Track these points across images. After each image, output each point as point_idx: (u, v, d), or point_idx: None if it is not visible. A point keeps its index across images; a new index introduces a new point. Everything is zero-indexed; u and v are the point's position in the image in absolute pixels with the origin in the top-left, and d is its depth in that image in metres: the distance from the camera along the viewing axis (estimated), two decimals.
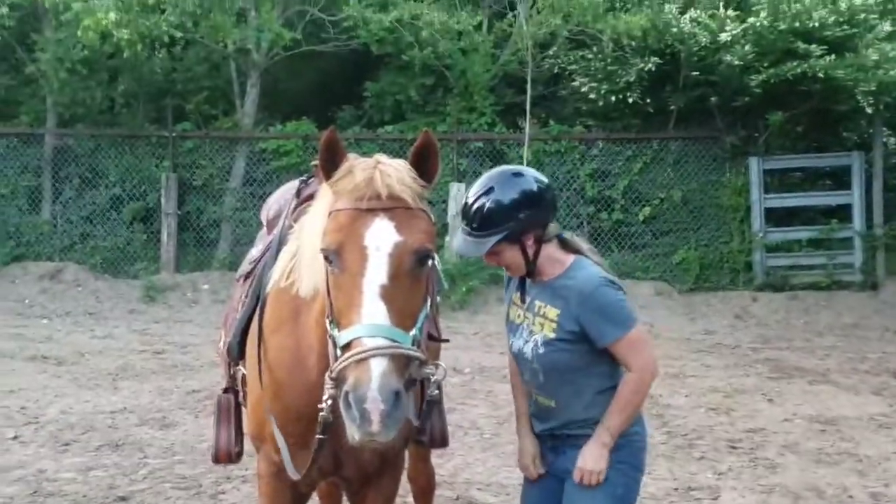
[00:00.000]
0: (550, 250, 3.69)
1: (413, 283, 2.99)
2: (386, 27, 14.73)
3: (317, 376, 3.19)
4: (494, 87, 15.98)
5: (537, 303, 3.69)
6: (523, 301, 3.77)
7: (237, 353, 3.83)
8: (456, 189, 14.87)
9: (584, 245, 3.81)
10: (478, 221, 3.57)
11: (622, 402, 3.57)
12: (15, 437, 7.63)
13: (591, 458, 3.57)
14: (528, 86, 14.83)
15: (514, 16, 15.43)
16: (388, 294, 2.89)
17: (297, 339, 3.40)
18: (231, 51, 15.14)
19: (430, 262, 3.09)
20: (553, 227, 3.73)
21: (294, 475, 3.41)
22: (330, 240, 2.97)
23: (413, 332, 2.94)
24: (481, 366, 10.37)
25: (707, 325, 13.41)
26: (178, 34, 13.57)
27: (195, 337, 11.84)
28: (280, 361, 3.46)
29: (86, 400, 8.81)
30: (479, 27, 15.56)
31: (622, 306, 3.60)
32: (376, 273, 2.90)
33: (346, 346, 2.84)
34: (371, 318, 2.85)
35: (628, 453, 3.66)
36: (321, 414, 3.00)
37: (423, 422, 3.58)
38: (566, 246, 3.75)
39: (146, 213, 15.56)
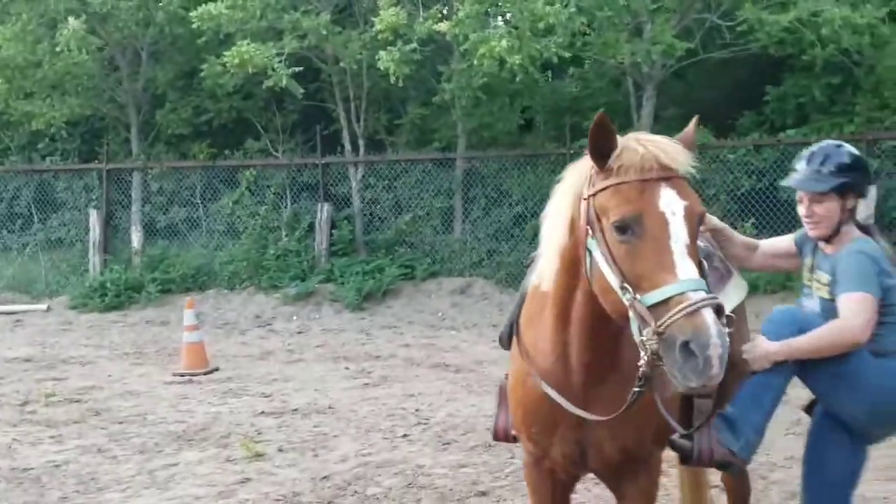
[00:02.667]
0: (848, 225, 4.06)
1: (696, 244, 3.19)
2: (784, 28, 13.99)
3: (551, 364, 3.63)
4: None
5: (819, 271, 4.11)
6: (811, 268, 4.19)
7: (506, 344, 4.12)
8: (870, 191, 13.85)
9: (876, 232, 4.17)
10: (827, 164, 4.02)
11: (815, 334, 3.80)
12: (404, 436, 8.21)
13: (757, 348, 3.83)
14: None
15: None
16: (690, 253, 3.10)
17: (538, 333, 3.72)
18: (627, 65, 15.14)
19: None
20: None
21: (587, 415, 3.60)
22: (625, 210, 3.14)
23: None
24: None
25: None
26: (567, 55, 13.79)
27: None
28: (528, 353, 3.78)
29: (472, 404, 9.23)
30: (892, 18, 14.36)
31: (866, 273, 3.88)
32: (680, 235, 3.10)
33: (662, 304, 3.00)
34: (688, 274, 3.04)
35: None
36: (641, 370, 3.15)
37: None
38: (860, 227, 4.12)
39: None
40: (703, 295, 2.98)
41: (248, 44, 14.51)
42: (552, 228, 3.53)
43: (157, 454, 7.81)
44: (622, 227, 3.12)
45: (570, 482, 4.07)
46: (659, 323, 2.98)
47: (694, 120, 3.46)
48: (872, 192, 13.79)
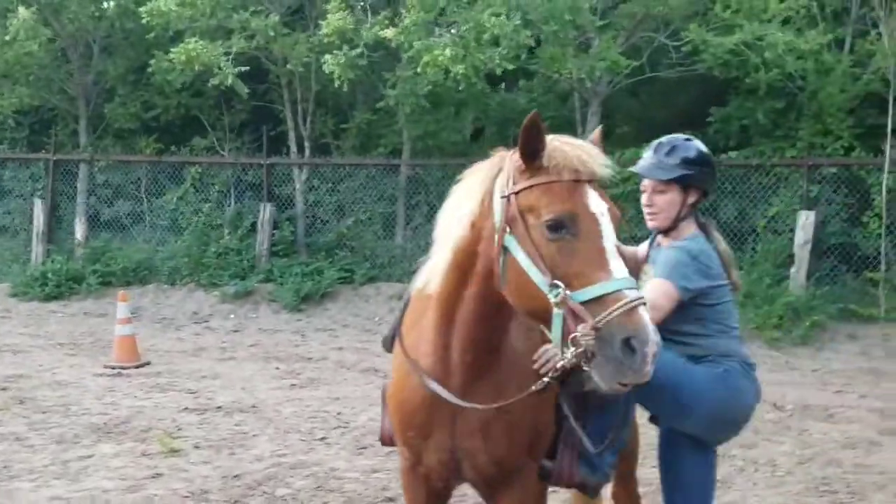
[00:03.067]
0: (687, 221, 4.18)
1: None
2: (729, 50, 14.20)
3: (431, 365, 3.68)
4: (854, 109, 14.91)
5: (651, 263, 4.24)
6: (647, 259, 4.33)
7: (389, 347, 4.17)
8: (805, 217, 14.07)
9: (714, 231, 4.25)
10: (672, 155, 4.12)
11: None
12: (322, 439, 8.31)
13: None
14: (890, 106, 13.73)
15: (879, 33, 14.37)
16: (619, 252, 3.19)
17: (420, 335, 3.75)
18: (574, 80, 15.30)
19: None
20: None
21: (464, 404, 3.62)
22: (559, 209, 3.18)
23: None
24: (806, 404, 9.74)
25: None
26: (511, 66, 13.94)
27: None
28: (409, 355, 3.82)
29: None
30: (836, 45, 14.67)
31: (678, 265, 3.98)
32: (610, 235, 3.19)
33: (597, 301, 3.04)
34: (621, 273, 3.10)
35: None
36: (561, 362, 3.17)
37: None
38: (699, 226, 4.22)
39: None
40: (637, 293, 3.05)
41: (197, 41, 14.57)
42: (450, 227, 3.54)
43: (73, 445, 7.86)
44: (555, 226, 3.16)
45: (445, 490, 4.08)
46: (597, 319, 2.99)
47: (597, 130, 3.64)
48: (811, 217, 14.06)
